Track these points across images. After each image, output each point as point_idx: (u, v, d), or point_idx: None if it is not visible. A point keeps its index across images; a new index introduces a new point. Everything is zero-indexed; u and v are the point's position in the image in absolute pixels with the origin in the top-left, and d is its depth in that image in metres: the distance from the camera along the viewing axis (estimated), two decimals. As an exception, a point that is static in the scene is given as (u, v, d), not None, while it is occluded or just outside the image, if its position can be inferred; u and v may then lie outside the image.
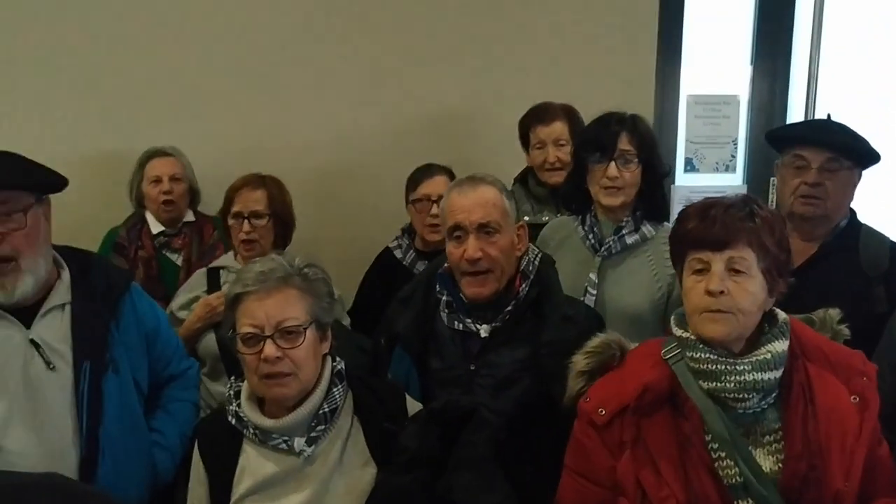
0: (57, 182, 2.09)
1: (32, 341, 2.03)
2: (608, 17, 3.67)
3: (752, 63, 3.85)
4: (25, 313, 2.04)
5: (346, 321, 2.93)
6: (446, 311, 2.21)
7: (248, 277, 1.85)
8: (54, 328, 2.06)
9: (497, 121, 3.47)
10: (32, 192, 2.05)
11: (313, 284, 1.90)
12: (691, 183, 3.86)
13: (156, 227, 3.29)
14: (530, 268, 2.21)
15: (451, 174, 3.08)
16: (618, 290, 2.50)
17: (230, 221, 2.92)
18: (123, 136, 3.49)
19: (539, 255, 2.26)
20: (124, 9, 3.49)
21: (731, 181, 3.88)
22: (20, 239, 1.99)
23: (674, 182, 3.82)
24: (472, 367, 2.16)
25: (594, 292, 2.49)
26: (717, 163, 3.88)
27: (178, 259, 3.28)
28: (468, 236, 2.13)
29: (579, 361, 1.87)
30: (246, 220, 2.87)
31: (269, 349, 1.79)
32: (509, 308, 2.16)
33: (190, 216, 3.36)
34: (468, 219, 2.13)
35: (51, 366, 2.03)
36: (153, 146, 3.35)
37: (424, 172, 3.09)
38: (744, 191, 3.79)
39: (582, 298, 2.44)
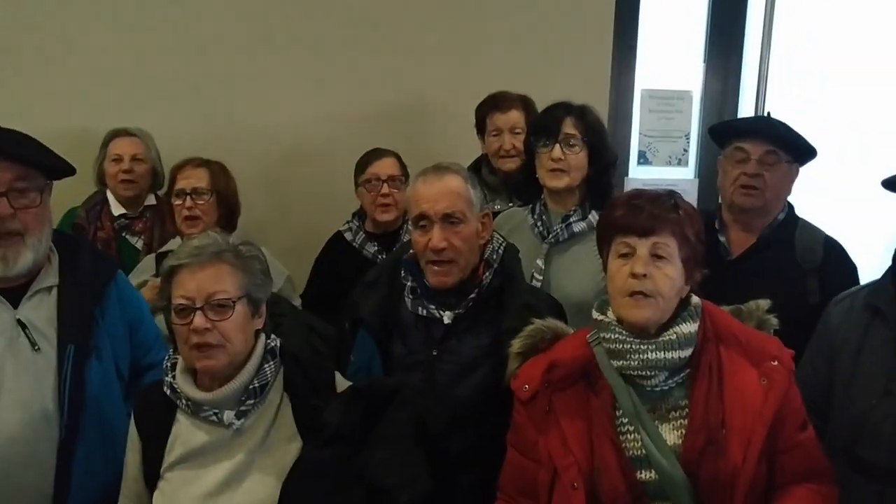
0: (68, 169, 2.11)
1: (19, 321, 2.03)
2: (566, 12, 3.73)
3: (704, 60, 3.95)
4: (13, 294, 2.05)
5: (297, 302, 2.95)
6: (410, 296, 2.24)
7: (184, 252, 1.92)
8: (41, 310, 2.06)
9: (451, 110, 3.51)
10: (47, 173, 2.06)
11: (246, 261, 1.95)
12: (644, 176, 3.94)
13: (117, 209, 3.27)
14: (494, 256, 2.25)
15: (398, 157, 3.15)
16: (563, 277, 2.55)
17: (174, 201, 2.92)
18: (85, 117, 3.46)
19: (503, 245, 2.29)
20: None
21: (684, 174, 3.98)
22: (31, 216, 2.01)
23: (627, 174, 3.91)
24: (435, 353, 2.19)
25: (540, 278, 2.54)
26: (669, 156, 3.96)
27: (138, 243, 3.25)
28: (433, 226, 2.16)
29: (515, 344, 1.98)
30: (188, 196, 2.88)
31: (199, 320, 1.85)
32: (472, 295, 2.19)
33: (151, 200, 3.34)
34: (433, 208, 2.16)
35: (36, 347, 2.03)
36: (119, 127, 3.33)
37: (372, 155, 3.16)
38: (695, 185, 3.91)
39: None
